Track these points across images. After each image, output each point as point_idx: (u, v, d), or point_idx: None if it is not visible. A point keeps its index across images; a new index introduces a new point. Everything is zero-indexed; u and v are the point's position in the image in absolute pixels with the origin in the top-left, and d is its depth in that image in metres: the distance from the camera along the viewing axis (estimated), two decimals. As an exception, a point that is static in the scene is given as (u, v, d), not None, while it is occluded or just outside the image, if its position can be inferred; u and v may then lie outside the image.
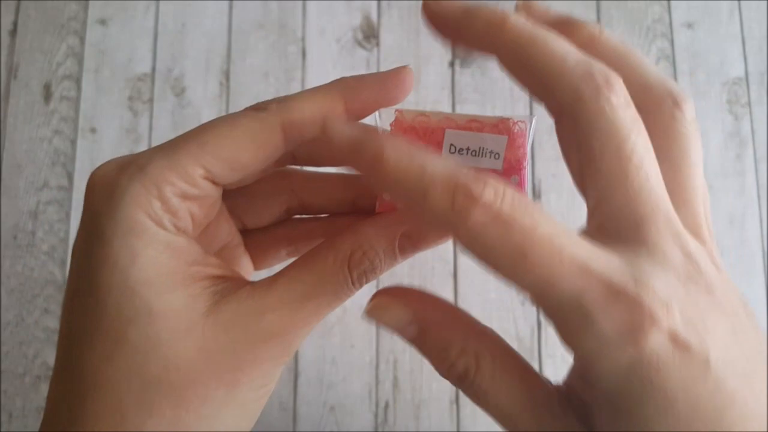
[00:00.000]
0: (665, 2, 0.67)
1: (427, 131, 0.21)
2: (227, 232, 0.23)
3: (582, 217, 0.56)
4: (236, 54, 0.65)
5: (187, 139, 0.19)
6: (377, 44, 0.65)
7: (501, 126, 0.21)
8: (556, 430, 0.18)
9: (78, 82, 0.65)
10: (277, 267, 0.22)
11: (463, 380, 0.19)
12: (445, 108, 0.64)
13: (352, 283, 0.20)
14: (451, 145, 0.21)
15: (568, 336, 0.16)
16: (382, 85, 0.20)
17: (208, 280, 0.19)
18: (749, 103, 0.65)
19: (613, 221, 0.16)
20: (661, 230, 0.16)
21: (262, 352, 0.19)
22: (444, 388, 0.59)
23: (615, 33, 0.66)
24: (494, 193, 0.15)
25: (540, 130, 0.64)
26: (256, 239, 0.24)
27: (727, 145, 0.64)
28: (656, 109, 0.18)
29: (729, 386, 0.15)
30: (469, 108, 0.64)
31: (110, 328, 0.18)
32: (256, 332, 0.18)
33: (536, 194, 0.62)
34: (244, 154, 0.19)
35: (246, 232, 0.24)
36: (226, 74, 0.65)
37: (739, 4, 0.67)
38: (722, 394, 0.15)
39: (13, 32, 0.66)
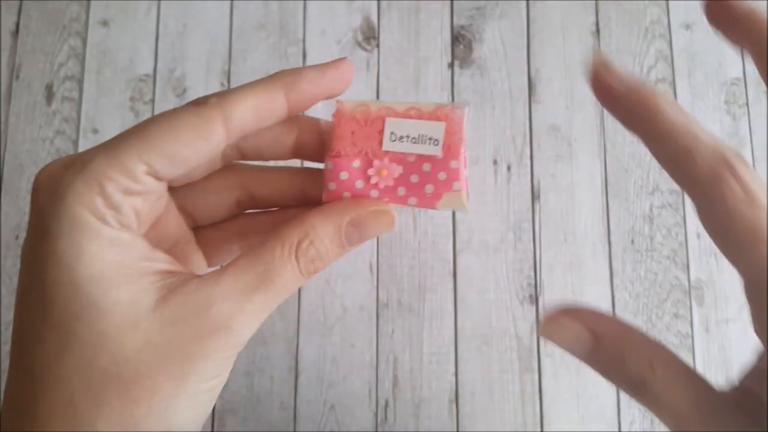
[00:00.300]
0: (663, 3, 0.67)
1: (368, 120, 0.22)
2: (177, 229, 0.23)
3: (579, 216, 0.56)
4: (237, 55, 0.65)
5: (129, 135, 0.19)
6: (377, 45, 0.65)
7: (439, 113, 0.22)
8: (726, 430, 0.18)
9: (80, 82, 0.65)
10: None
11: (638, 387, 0.20)
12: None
13: (300, 273, 0.20)
14: (392, 132, 0.22)
15: None
16: (322, 78, 0.21)
17: (155, 275, 0.19)
18: (747, 104, 0.65)
19: None
20: None
21: (210, 344, 0.19)
22: (443, 387, 0.59)
23: (613, 34, 0.66)
24: (752, 176, 0.17)
25: (539, 130, 0.64)
26: (208, 235, 0.24)
27: (725, 145, 0.64)
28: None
29: None
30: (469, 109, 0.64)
31: (58, 325, 0.18)
32: (204, 324, 0.19)
33: (535, 194, 0.62)
34: (185, 149, 0.19)
35: (197, 229, 0.24)
36: (227, 75, 0.65)
37: (737, 6, 0.67)
38: None
39: (15, 33, 0.66)
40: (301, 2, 0.66)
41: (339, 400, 0.59)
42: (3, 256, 0.62)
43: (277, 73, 0.21)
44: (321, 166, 0.23)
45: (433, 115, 0.22)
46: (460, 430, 0.58)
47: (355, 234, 0.21)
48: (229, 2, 0.67)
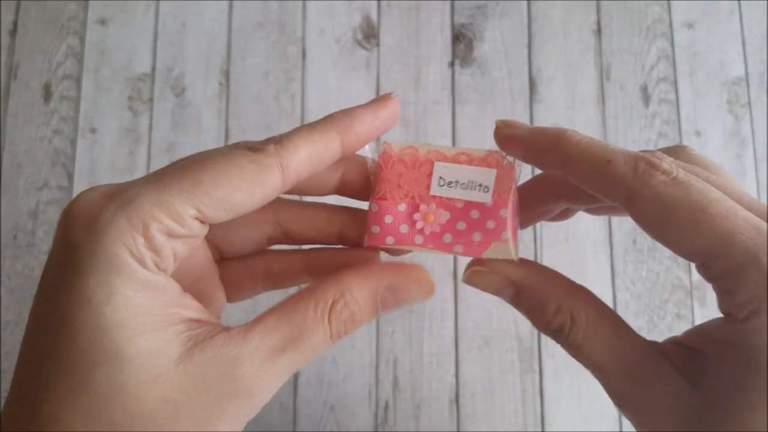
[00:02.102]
0: (665, 2, 0.67)
1: (416, 163, 0.22)
2: (203, 262, 0.22)
3: (580, 216, 0.56)
4: (236, 54, 0.65)
5: (181, 176, 0.18)
6: (377, 44, 0.65)
7: (490, 159, 0.22)
8: (648, 382, 0.19)
9: (78, 82, 0.65)
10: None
11: (558, 335, 0.20)
12: (445, 109, 0.64)
13: (330, 336, 0.19)
14: (440, 177, 0.22)
15: (733, 284, 0.18)
16: (375, 117, 0.21)
17: (183, 323, 0.18)
18: (749, 103, 0.65)
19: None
20: None
21: (230, 408, 0.18)
22: (444, 388, 0.59)
23: (615, 33, 0.66)
24: (671, 163, 0.19)
25: (540, 130, 0.64)
26: (233, 270, 0.23)
27: (727, 145, 0.64)
28: None
29: None
30: (469, 108, 0.64)
31: (75, 370, 0.17)
32: (227, 386, 0.18)
33: (536, 194, 0.62)
34: (240, 196, 0.18)
35: (222, 262, 0.23)
36: (226, 74, 0.65)
37: (739, 4, 0.67)
38: None
39: (13, 32, 0.66)
40: (301, 1, 0.66)
41: (339, 400, 0.58)
42: (2, 256, 0.62)
43: (330, 116, 0.21)
44: (361, 204, 0.22)
45: (484, 162, 0.22)
46: (460, 430, 0.58)
47: (391, 300, 0.21)
48: (228, 1, 0.66)
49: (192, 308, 0.19)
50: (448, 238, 0.22)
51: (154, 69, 0.65)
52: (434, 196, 0.22)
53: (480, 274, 0.22)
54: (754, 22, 0.66)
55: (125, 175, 0.63)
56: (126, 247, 0.17)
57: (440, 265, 0.61)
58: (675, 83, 0.65)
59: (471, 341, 0.59)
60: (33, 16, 0.66)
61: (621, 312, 0.60)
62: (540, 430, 0.58)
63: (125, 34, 0.66)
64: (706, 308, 0.61)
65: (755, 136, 0.64)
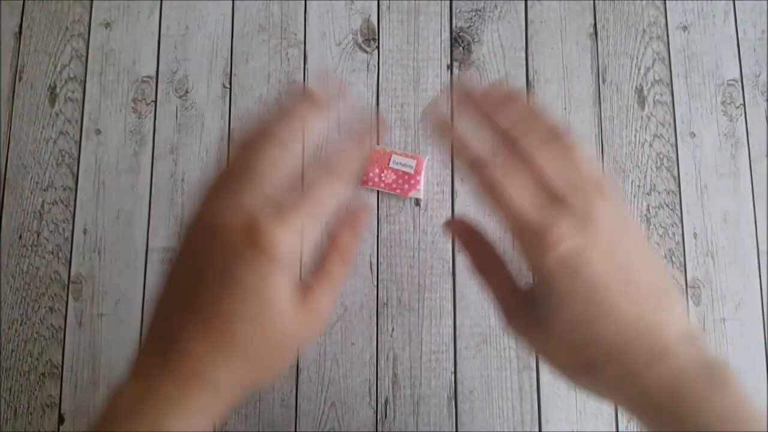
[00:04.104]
0: (661, 5, 0.68)
1: (384, 154, 0.60)
2: None
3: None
4: (238, 57, 0.66)
5: None
6: (377, 47, 0.66)
7: (414, 156, 0.60)
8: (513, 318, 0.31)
9: (82, 84, 0.66)
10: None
11: (474, 274, 0.32)
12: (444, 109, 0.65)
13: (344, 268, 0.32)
14: (393, 160, 0.59)
15: (526, 250, 0.28)
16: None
17: None
18: (744, 105, 0.66)
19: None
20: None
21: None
22: (443, 384, 0.60)
23: (611, 36, 0.67)
24: (504, 169, 0.28)
25: (537, 131, 0.65)
26: None
27: (721, 145, 0.65)
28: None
29: (596, 286, 0.26)
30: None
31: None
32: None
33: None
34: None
35: None
36: (229, 76, 0.65)
37: (734, 7, 0.67)
38: (588, 289, 0.26)
39: (18, 35, 0.67)
40: (302, 4, 0.67)
41: (339, 397, 0.59)
42: (6, 255, 0.62)
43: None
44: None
45: (413, 156, 0.59)
46: (459, 427, 0.59)
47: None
48: (230, 4, 0.67)
49: None
50: (393, 185, 0.57)
51: (157, 71, 0.66)
52: (390, 168, 0.58)
53: (446, 228, 0.34)
54: (748, 25, 0.67)
55: (130, 176, 0.64)
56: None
57: (439, 264, 0.62)
58: (670, 85, 0.66)
59: (469, 339, 0.60)
60: (38, 18, 0.67)
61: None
62: (537, 426, 0.59)
63: (129, 37, 0.67)
64: (701, 306, 0.62)
65: (750, 137, 0.65)
